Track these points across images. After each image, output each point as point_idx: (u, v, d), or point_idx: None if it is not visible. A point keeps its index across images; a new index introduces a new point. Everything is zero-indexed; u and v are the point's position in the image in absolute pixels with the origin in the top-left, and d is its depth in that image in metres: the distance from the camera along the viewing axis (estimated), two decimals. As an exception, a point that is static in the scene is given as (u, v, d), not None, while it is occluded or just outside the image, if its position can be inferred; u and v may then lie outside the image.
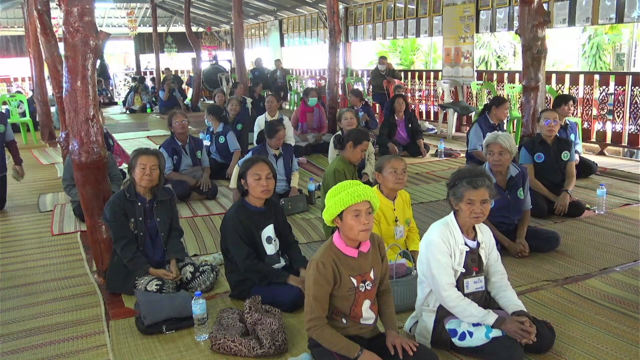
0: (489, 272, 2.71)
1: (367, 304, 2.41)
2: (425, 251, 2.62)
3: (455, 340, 2.56)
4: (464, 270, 2.58)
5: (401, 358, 2.31)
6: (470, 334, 2.51)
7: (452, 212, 2.68)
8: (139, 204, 3.42)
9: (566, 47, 20.98)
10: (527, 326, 2.45)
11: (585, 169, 5.96)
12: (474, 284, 2.62)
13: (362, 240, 2.34)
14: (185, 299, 3.03)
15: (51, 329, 3.04)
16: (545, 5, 5.60)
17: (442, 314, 2.61)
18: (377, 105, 11.13)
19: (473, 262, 2.63)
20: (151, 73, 18.12)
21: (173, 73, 16.88)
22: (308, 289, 2.35)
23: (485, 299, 2.69)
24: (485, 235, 2.71)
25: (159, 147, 5.55)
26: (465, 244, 2.61)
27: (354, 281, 2.35)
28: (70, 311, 3.26)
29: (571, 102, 5.85)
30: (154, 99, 14.91)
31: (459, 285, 2.59)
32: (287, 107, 13.99)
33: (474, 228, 2.66)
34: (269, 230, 3.24)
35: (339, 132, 5.83)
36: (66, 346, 2.87)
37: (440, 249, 2.55)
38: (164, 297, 3.11)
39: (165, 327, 2.92)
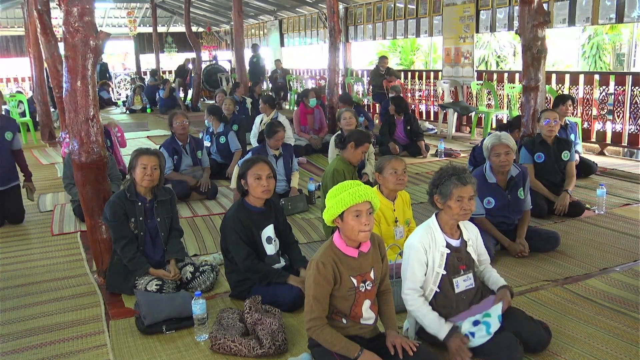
0: (478, 265, 2.73)
1: (367, 304, 2.41)
2: (405, 252, 2.65)
3: (472, 341, 2.52)
4: (444, 272, 2.58)
5: (401, 358, 2.31)
6: (472, 334, 2.51)
7: (433, 215, 2.68)
8: (139, 203, 3.42)
9: (566, 47, 20.97)
10: (464, 350, 2.44)
11: (585, 169, 5.96)
12: (463, 282, 2.63)
13: (363, 240, 2.34)
14: (185, 299, 3.02)
15: (51, 329, 3.04)
16: (545, 5, 5.60)
17: (441, 312, 2.60)
18: (378, 105, 11.14)
19: (459, 261, 2.63)
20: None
21: (191, 66, 16.61)
22: (308, 289, 2.35)
23: (481, 295, 2.69)
24: (472, 232, 2.72)
25: (160, 147, 5.55)
26: (447, 246, 2.60)
27: (354, 281, 2.35)
28: (70, 311, 3.26)
29: (570, 102, 5.84)
30: (150, 98, 14.91)
31: (448, 286, 2.58)
32: (287, 107, 14.00)
33: (458, 227, 2.67)
34: (269, 231, 3.24)
35: (339, 132, 5.83)
36: (66, 346, 2.87)
37: (416, 255, 2.57)
38: (164, 297, 3.11)
39: (165, 327, 2.92)
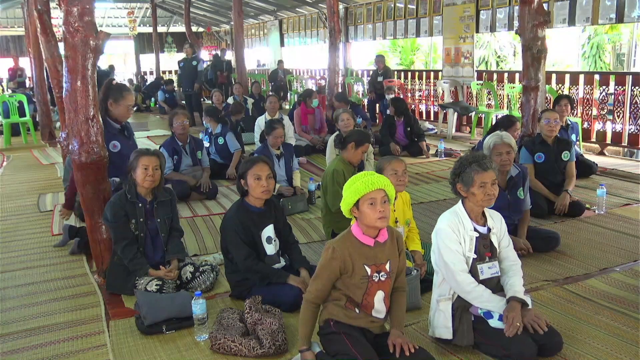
0: (500, 258, 2.72)
1: (380, 294, 2.43)
2: (435, 240, 2.66)
3: (493, 321, 2.54)
4: (475, 256, 2.60)
5: (397, 357, 2.33)
6: (500, 316, 2.52)
7: (459, 202, 2.69)
8: (140, 205, 3.41)
9: (566, 47, 20.96)
10: (515, 322, 2.45)
11: (585, 169, 5.96)
12: (488, 269, 2.64)
13: (381, 227, 2.37)
14: (185, 299, 3.02)
15: (51, 329, 3.04)
16: (545, 5, 5.60)
17: (461, 303, 2.60)
18: (377, 105, 11.14)
19: (485, 248, 2.64)
20: (151, 73, 18.14)
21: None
22: (317, 269, 2.41)
23: (500, 288, 2.69)
24: (496, 221, 2.72)
25: (159, 147, 5.55)
26: (475, 230, 2.62)
27: (368, 270, 2.38)
28: (70, 311, 3.26)
29: (565, 101, 5.88)
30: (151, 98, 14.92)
31: (474, 272, 2.60)
32: (287, 106, 13.99)
33: (483, 214, 2.68)
34: (269, 231, 3.24)
35: (338, 132, 5.83)
36: (66, 346, 2.87)
37: (450, 237, 2.58)
38: (164, 297, 3.11)
39: (165, 327, 2.92)
